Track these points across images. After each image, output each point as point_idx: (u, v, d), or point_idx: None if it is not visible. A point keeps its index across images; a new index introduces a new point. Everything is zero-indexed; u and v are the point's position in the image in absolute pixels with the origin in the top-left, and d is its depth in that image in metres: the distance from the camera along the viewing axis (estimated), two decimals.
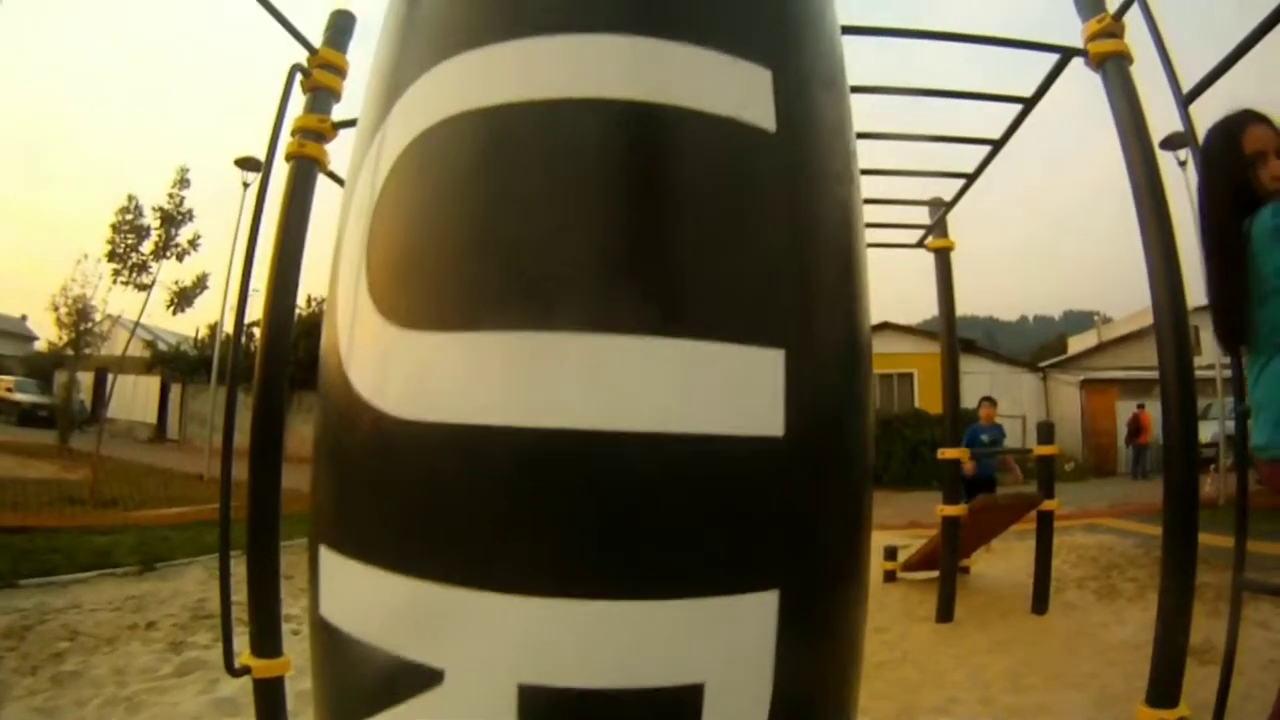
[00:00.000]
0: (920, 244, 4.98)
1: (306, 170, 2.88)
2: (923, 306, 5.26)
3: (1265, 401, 1.95)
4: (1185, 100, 2.44)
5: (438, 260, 0.98)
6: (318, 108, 2.97)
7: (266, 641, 2.62)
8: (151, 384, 25.43)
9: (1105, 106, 2.32)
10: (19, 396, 27.53)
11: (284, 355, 2.92)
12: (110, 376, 14.58)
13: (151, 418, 25.58)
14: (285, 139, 2.88)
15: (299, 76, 2.94)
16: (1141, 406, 18.28)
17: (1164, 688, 2.44)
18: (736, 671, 0.89)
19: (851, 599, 1.09)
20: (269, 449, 2.70)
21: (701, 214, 0.94)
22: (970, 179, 4.11)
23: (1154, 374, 2.15)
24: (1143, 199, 2.56)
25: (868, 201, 4.49)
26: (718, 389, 0.90)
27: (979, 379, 22.39)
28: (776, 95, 1.01)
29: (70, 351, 19.91)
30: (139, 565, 5.49)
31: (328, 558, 1.04)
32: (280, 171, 2.84)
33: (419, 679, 0.87)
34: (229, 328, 21.94)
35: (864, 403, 1.14)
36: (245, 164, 14.25)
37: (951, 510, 4.79)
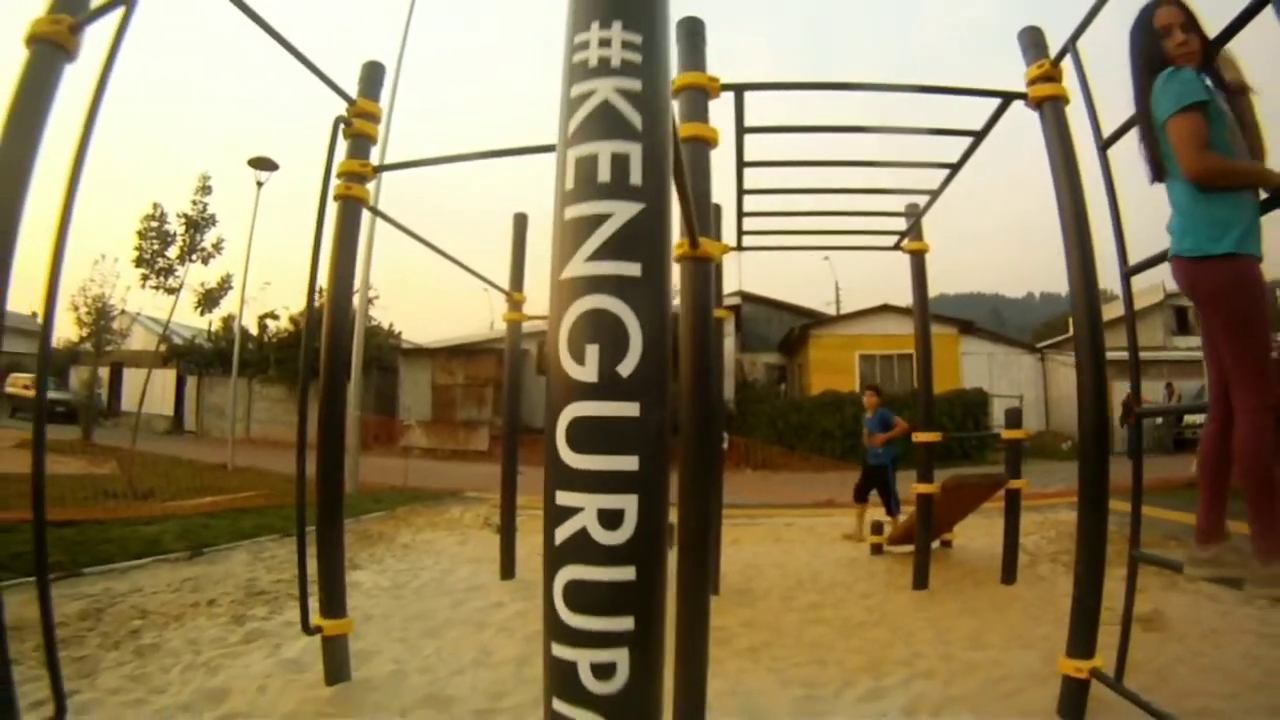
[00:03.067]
0: (896, 247, 5.44)
1: (353, 209, 3.37)
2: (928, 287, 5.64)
3: (1176, 205, 2.42)
4: (1103, 145, 2.91)
5: None
6: (358, 154, 3.46)
7: (334, 605, 3.23)
8: (168, 377, 25.91)
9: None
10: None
11: (344, 359, 3.47)
12: (145, 371, 15.00)
13: (168, 410, 26.08)
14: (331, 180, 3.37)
15: (341, 126, 3.43)
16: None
17: (1081, 641, 2.93)
18: None
19: None
20: (334, 442, 3.27)
21: None
22: (934, 195, 4.56)
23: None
24: (1069, 226, 3.04)
25: (851, 214, 4.96)
26: None
27: (977, 359, 22.81)
28: None
29: (89, 348, 20.52)
30: (187, 551, 5.97)
31: None
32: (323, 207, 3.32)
33: None
34: (246, 322, 22.56)
35: None
36: (259, 164, 14.71)
37: (924, 488, 5.28)
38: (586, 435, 0.95)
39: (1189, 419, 16.70)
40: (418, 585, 5.30)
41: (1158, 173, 2.48)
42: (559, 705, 0.96)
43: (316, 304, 3.47)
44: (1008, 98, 3.33)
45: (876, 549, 6.50)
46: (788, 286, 61.04)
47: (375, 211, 3.83)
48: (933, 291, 5.64)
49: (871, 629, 4.26)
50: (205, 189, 12.61)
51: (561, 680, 0.96)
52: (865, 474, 7.48)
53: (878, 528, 6.63)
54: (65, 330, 30.60)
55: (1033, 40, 3.17)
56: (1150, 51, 2.44)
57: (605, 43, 1.03)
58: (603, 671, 0.94)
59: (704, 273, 2.46)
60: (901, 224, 5.27)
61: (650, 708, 0.98)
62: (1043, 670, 3.40)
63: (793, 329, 24.56)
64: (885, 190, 4.59)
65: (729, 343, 20.59)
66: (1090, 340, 2.97)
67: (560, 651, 0.96)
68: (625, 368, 0.96)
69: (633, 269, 0.98)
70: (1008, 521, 5.47)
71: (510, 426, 5.99)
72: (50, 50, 2.20)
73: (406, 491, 10.78)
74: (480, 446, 21.23)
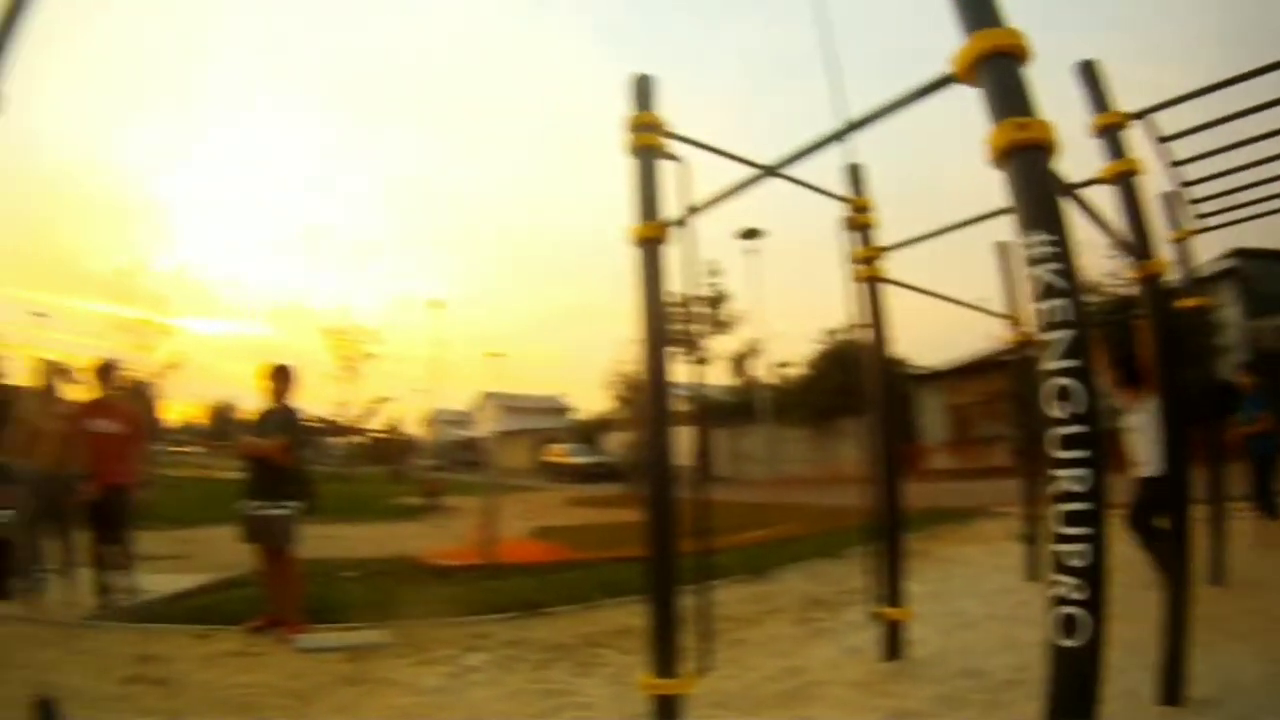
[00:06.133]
0: None
1: (874, 288, 4.07)
2: None
3: None
4: None
5: None
6: (866, 242, 4.22)
7: (895, 596, 3.90)
8: (694, 432, 29.84)
9: None
10: (575, 459, 34.32)
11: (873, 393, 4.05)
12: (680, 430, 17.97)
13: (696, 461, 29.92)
14: None
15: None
16: None
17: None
18: None
19: None
20: (889, 467, 3.93)
21: None
22: None
23: None
24: None
25: None
26: None
27: None
28: None
29: (619, 417, 25.00)
30: (750, 574, 7.07)
31: None
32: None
33: None
34: (761, 372, 25.27)
35: None
36: (747, 235, 16.74)
37: None
38: None
39: None
40: (952, 590, 5.70)
41: None
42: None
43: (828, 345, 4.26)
44: None
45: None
46: None
47: (895, 283, 4.32)
48: None
49: None
50: (714, 273, 14.87)
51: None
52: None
53: None
54: (598, 404, 37.49)
55: None
56: None
57: None
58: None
59: None
60: None
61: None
62: None
63: None
64: None
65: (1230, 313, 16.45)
66: None
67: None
68: None
69: None
70: None
71: (1026, 441, 6.09)
72: None
73: (934, 512, 10.95)
74: (1000, 462, 20.24)
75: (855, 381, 4.25)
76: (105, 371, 6.48)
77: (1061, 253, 1.67)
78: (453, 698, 3.81)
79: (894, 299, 4.20)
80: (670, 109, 3.13)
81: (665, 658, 2.74)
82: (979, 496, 12.46)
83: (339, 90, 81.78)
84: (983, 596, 5.24)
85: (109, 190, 67.54)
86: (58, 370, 6.34)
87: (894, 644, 3.92)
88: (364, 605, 5.59)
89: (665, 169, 3.08)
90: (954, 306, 4.90)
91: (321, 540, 6.72)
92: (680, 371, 3.31)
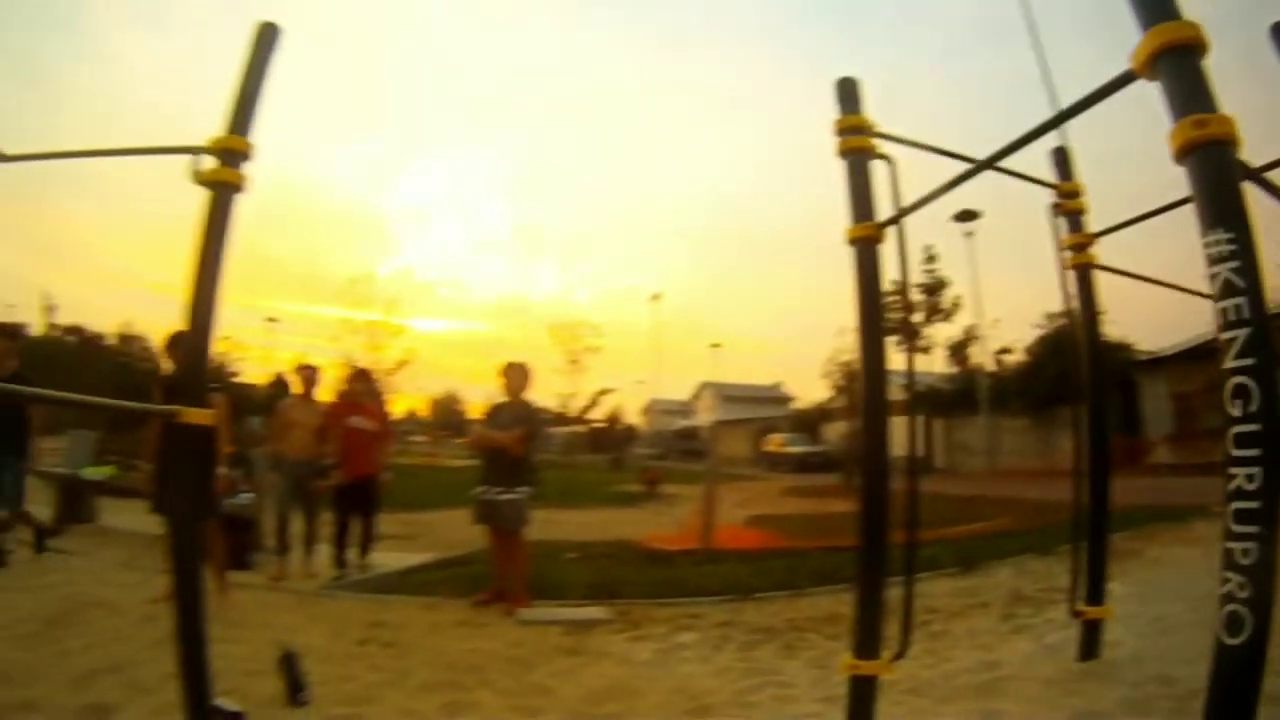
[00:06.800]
0: None
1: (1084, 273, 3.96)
2: None
3: None
4: None
5: None
6: (1075, 229, 4.04)
7: (1095, 594, 3.82)
8: (915, 423, 28.27)
9: None
10: (792, 449, 33.81)
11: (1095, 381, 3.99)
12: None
13: (920, 451, 28.43)
14: None
15: None
16: None
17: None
18: None
19: None
20: (1102, 462, 3.89)
21: None
22: None
23: None
24: None
25: None
26: None
27: None
28: None
29: (837, 407, 24.44)
30: (960, 568, 6.89)
31: None
32: None
33: None
34: (982, 360, 23.85)
35: None
36: (963, 216, 15.91)
37: None
38: None
39: None
40: (1159, 593, 5.33)
41: None
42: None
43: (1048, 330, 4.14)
44: None
45: None
46: None
47: (1108, 269, 4.13)
48: None
49: None
50: (930, 259, 14.31)
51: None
52: None
53: None
54: (817, 394, 36.65)
55: None
56: None
57: None
58: None
59: None
60: None
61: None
62: None
63: None
64: None
65: None
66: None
67: None
68: None
69: None
70: None
71: None
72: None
73: (1150, 510, 10.03)
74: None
75: (1074, 369, 4.08)
76: (360, 376, 7.65)
77: (1242, 250, 1.64)
78: (662, 671, 4.12)
79: (1113, 279, 4.00)
80: (876, 106, 3.10)
81: (867, 640, 2.84)
82: (1201, 494, 11.18)
83: (553, 95, 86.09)
84: (1189, 601, 4.81)
85: (339, 204, 75.74)
86: (305, 372, 7.48)
87: (1091, 643, 3.78)
88: (584, 584, 6.08)
89: (876, 167, 3.05)
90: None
91: (545, 524, 7.28)
92: (898, 361, 3.33)
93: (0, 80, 50.82)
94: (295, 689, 3.36)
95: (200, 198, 2.63)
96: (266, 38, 2.81)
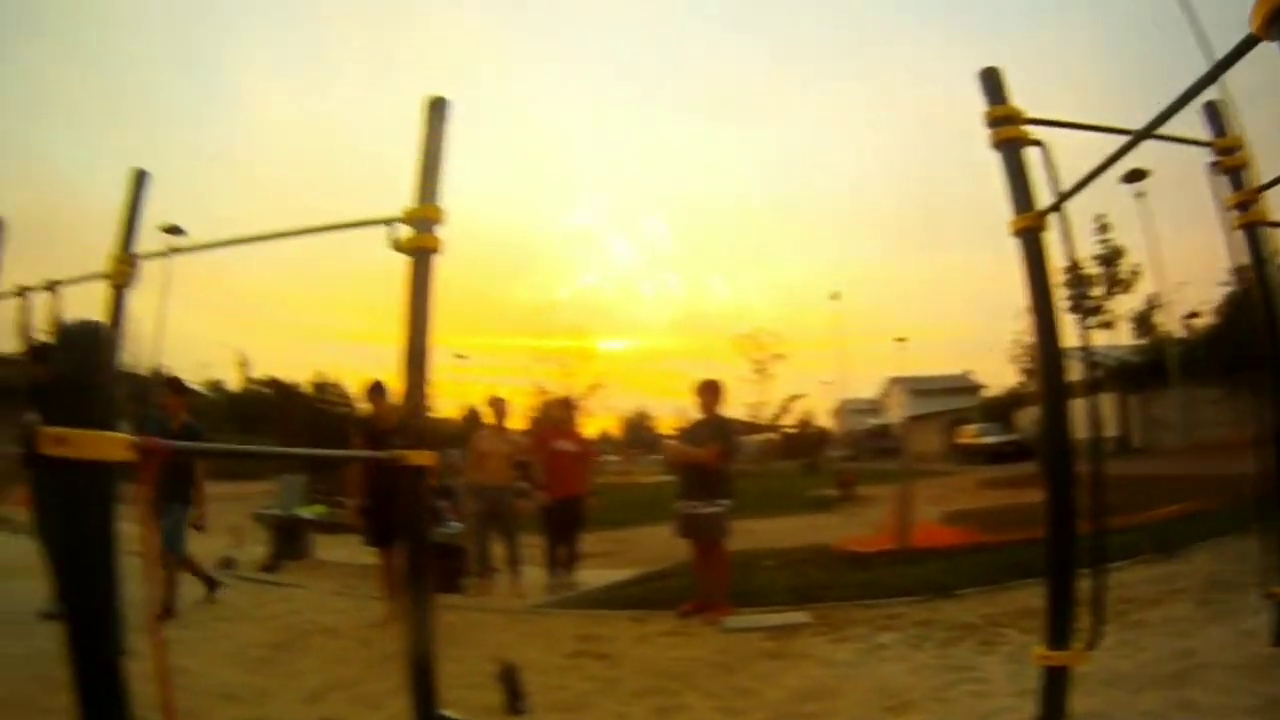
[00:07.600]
0: None
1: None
2: None
3: None
4: None
5: None
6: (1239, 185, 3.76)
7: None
8: (1108, 400, 26.04)
9: None
10: (985, 440, 32.08)
11: None
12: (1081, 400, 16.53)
13: (1113, 431, 26.25)
14: None
15: None
16: None
17: None
18: None
19: None
20: None
21: None
22: None
23: None
24: None
25: None
26: None
27: None
28: None
29: (1028, 391, 22.95)
30: (1158, 553, 6.49)
31: None
32: None
33: None
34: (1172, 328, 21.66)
35: None
36: (1133, 177, 14.70)
37: None
38: None
39: None
40: None
41: None
42: None
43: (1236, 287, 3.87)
44: None
45: None
46: None
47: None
48: None
49: None
50: (1103, 228, 13.38)
51: None
52: None
53: None
54: (1007, 379, 34.63)
55: None
56: None
57: None
58: None
59: None
60: None
61: None
62: None
63: None
64: None
65: None
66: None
67: None
68: None
69: None
70: None
71: None
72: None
73: None
74: None
75: (1254, 335, 3.78)
76: (565, 405, 8.28)
77: None
78: (862, 671, 4.22)
79: None
80: (1023, 91, 3.01)
81: (1058, 630, 2.81)
82: None
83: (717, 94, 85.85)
84: None
85: (513, 234, 78.61)
86: (496, 404, 8.07)
87: None
88: (784, 590, 6.22)
89: (1031, 153, 2.98)
90: None
91: (742, 534, 7.43)
92: (1080, 338, 3.21)
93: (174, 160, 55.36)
94: (514, 699, 3.67)
95: (399, 262, 2.86)
96: (438, 110, 3.00)
